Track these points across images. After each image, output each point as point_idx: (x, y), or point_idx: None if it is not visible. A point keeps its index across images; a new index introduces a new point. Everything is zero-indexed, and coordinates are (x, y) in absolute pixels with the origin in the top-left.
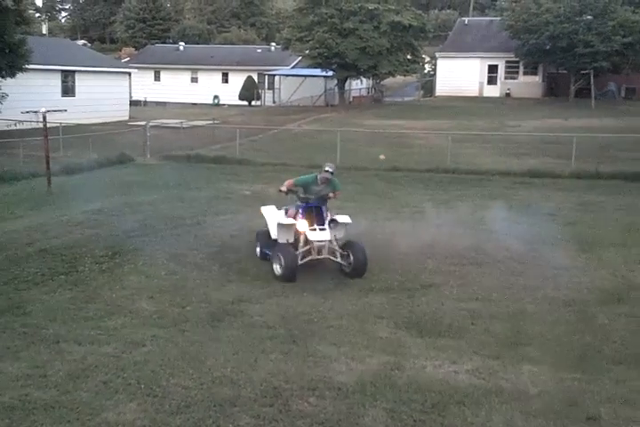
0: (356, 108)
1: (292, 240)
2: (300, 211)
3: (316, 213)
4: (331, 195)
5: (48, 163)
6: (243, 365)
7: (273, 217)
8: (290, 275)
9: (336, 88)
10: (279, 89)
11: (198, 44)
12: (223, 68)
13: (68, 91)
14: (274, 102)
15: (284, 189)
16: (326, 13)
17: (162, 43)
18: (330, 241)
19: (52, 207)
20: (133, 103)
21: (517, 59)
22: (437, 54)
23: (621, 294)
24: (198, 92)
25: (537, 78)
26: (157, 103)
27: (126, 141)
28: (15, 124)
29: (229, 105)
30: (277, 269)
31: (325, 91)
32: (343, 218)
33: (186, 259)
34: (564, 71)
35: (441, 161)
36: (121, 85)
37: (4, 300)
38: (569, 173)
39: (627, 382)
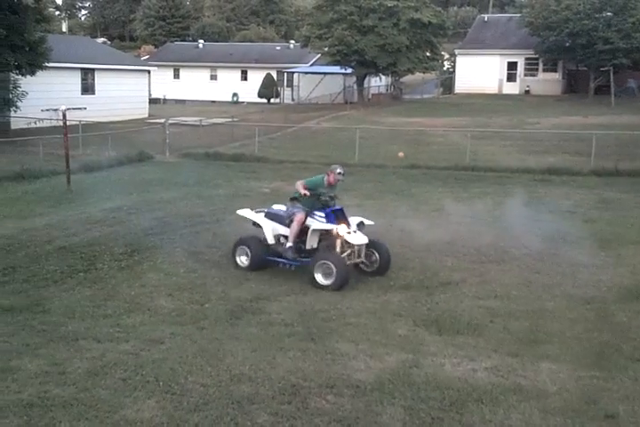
0: (375, 106)
1: (315, 246)
2: (329, 215)
3: (342, 216)
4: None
5: (68, 161)
6: (261, 362)
7: (267, 221)
8: (344, 282)
9: (355, 85)
10: (298, 86)
11: (217, 41)
12: (242, 65)
13: (87, 89)
14: (293, 100)
15: (306, 192)
16: (345, 11)
17: (181, 40)
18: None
19: (71, 205)
20: (153, 101)
21: (537, 56)
22: (457, 51)
23: None
24: (217, 90)
25: (556, 75)
26: (176, 101)
27: (145, 139)
28: (35, 122)
29: (248, 103)
30: (322, 279)
31: (344, 88)
32: (366, 221)
33: (204, 257)
34: (584, 68)
35: (460, 158)
36: (140, 83)
37: (24, 297)
38: (588, 170)
39: None
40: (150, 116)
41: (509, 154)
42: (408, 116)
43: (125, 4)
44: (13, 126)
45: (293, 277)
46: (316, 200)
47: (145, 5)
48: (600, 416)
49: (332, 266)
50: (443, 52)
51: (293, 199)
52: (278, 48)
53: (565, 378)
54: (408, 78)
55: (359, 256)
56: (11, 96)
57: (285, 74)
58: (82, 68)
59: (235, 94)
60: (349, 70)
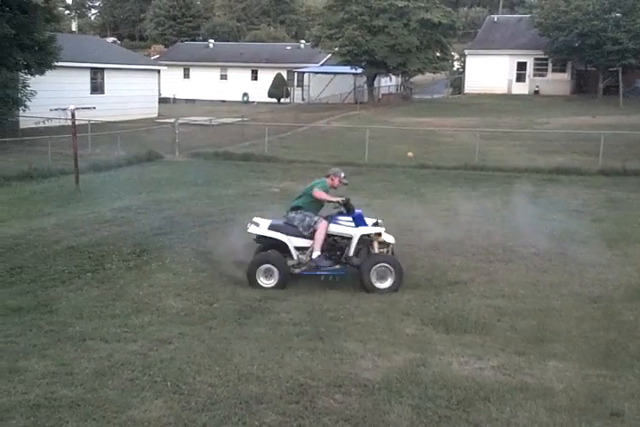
0: (385, 106)
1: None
2: (358, 218)
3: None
4: None
5: (76, 160)
6: (269, 362)
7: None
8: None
9: (365, 85)
10: (308, 86)
11: (228, 41)
12: (252, 65)
13: (96, 88)
14: (303, 100)
15: (341, 198)
16: (356, 11)
17: (191, 40)
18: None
19: (79, 205)
20: (162, 100)
21: (546, 56)
22: (466, 52)
23: None
24: (227, 90)
25: (565, 76)
26: (186, 100)
27: (155, 139)
28: (44, 122)
29: (258, 102)
30: (377, 283)
31: (354, 88)
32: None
33: (213, 256)
34: (593, 68)
35: (469, 158)
36: (150, 83)
37: (31, 297)
38: (596, 170)
39: None
40: (160, 115)
41: (518, 154)
42: (418, 116)
43: (135, 3)
44: (22, 126)
45: (301, 278)
46: (320, 206)
47: (155, 5)
48: (606, 414)
49: (391, 268)
50: (453, 53)
51: (296, 208)
52: (289, 48)
53: (572, 376)
54: (418, 78)
55: (393, 253)
56: (20, 95)
57: (296, 74)
58: (91, 68)
59: (245, 94)
60: (359, 70)
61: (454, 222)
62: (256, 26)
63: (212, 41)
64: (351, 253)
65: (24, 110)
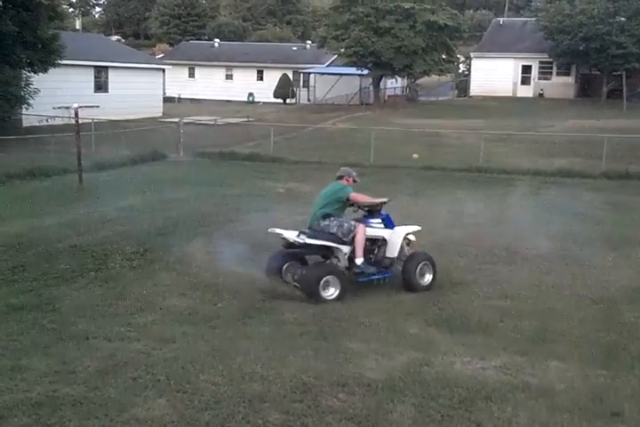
0: (391, 107)
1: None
2: (387, 219)
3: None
4: None
5: (80, 159)
6: (273, 361)
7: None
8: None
9: (371, 87)
10: (314, 87)
11: (233, 41)
12: (258, 65)
13: (100, 87)
14: (309, 100)
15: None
16: (362, 12)
17: (196, 39)
18: None
19: (82, 204)
20: (167, 100)
21: (551, 59)
22: (472, 54)
23: None
24: (233, 90)
25: (570, 79)
26: (191, 100)
27: (159, 138)
28: (47, 120)
29: (264, 103)
30: (420, 281)
31: (360, 89)
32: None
33: (217, 256)
34: (597, 72)
35: (474, 160)
36: (155, 82)
37: (34, 296)
38: (599, 173)
39: None
40: (164, 114)
41: (522, 156)
42: (423, 117)
43: (140, 1)
44: (25, 124)
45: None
46: (344, 211)
47: (160, 3)
48: (606, 414)
49: (430, 265)
50: (458, 55)
51: (326, 216)
52: (295, 48)
53: (573, 376)
54: (424, 80)
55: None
56: (23, 93)
57: (302, 74)
58: (95, 66)
59: (250, 94)
60: (365, 71)
61: (458, 224)
62: (262, 26)
63: (218, 40)
64: (396, 253)
65: (27, 108)
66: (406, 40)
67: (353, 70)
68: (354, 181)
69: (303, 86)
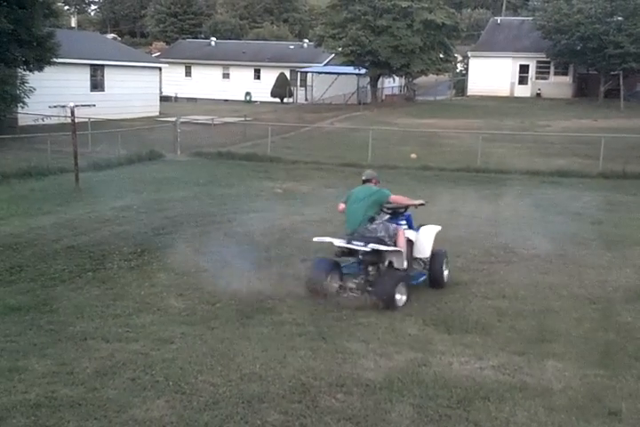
0: (389, 107)
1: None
2: (409, 219)
3: None
4: None
5: (76, 158)
6: (271, 361)
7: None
8: None
9: (368, 86)
10: (312, 86)
11: (230, 39)
12: (255, 64)
13: (96, 85)
14: (306, 100)
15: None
16: (359, 10)
17: (193, 38)
18: None
19: (79, 204)
20: (164, 99)
21: (548, 59)
22: (470, 53)
23: None
24: (230, 89)
25: (567, 79)
26: (188, 99)
27: (156, 137)
28: (42, 119)
29: (261, 102)
30: (446, 274)
31: (358, 89)
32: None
33: (215, 256)
34: (594, 72)
35: (471, 160)
36: (151, 80)
37: (31, 297)
38: (597, 172)
39: None
40: (161, 114)
41: (520, 156)
42: (421, 117)
43: None
44: (20, 123)
45: (304, 277)
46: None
47: (156, 1)
48: (604, 413)
49: (447, 261)
50: (456, 54)
51: (372, 219)
52: (292, 47)
53: (570, 376)
54: (421, 80)
55: None
56: (18, 92)
57: (299, 73)
58: (91, 65)
59: (247, 93)
60: (363, 71)
61: (456, 224)
62: (259, 24)
63: (214, 39)
64: (428, 253)
65: (22, 107)
66: (404, 39)
67: (350, 69)
68: (378, 182)
69: (300, 86)
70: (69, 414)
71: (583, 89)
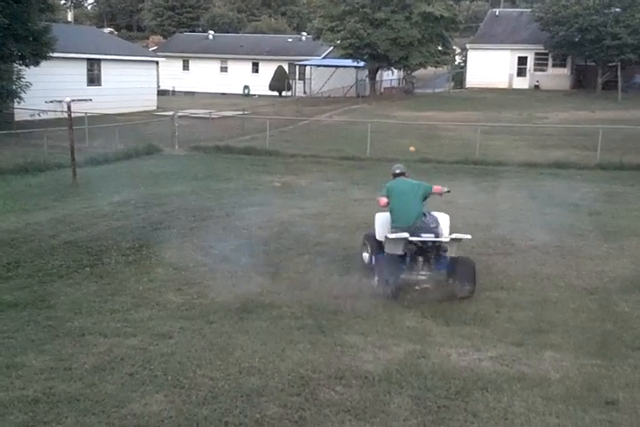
0: (387, 100)
1: None
2: None
3: None
4: None
5: (73, 153)
6: (270, 355)
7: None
8: None
9: (367, 79)
10: (310, 79)
11: (228, 32)
12: (253, 57)
13: (93, 80)
14: (304, 93)
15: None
16: (358, 3)
17: (191, 31)
18: None
19: (77, 199)
20: (161, 93)
21: (546, 51)
22: (468, 46)
23: None
24: (228, 82)
25: (565, 70)
26: (186, 93)
27: (154, 132)
28: (39, 114)
29: (259, 95)
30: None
31: (356, 82)
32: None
33: (214, 251)
34: (592, 63)
35: (470, 153)
36: (148, 74)
37: (28, 292)
38: (594, 164)
39: None
40: (159, 108)
41: (518, 148)
42: (419, 110)
43: None
44: (17, 118)
45: (303, 271)
46: None
47: None
48: (601, 403)
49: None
50: (454, 47)
51: (423, 214)
52: (290, 40)
53: (568, 366)
54: (420, 72)
55: None
56: (14, 87)
57: (297, 66)
58: (88, 59)
59: (246, 87)
60: (361, 64)
61: (454, 216)
62: (257, 17)
63: (212, 32)
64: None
65: (19, 102)
66: (402, 31)
67: (349, 62)
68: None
69: (299, 79)
70: (67, 409)
71: (581, 81)
